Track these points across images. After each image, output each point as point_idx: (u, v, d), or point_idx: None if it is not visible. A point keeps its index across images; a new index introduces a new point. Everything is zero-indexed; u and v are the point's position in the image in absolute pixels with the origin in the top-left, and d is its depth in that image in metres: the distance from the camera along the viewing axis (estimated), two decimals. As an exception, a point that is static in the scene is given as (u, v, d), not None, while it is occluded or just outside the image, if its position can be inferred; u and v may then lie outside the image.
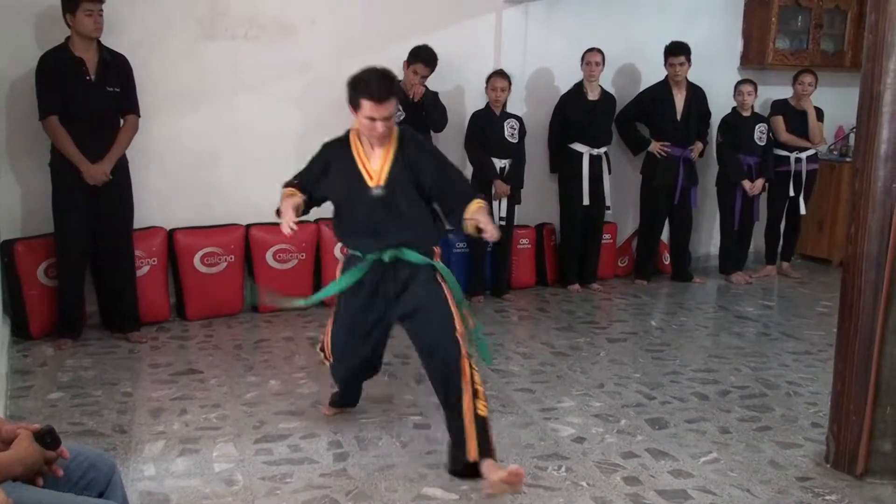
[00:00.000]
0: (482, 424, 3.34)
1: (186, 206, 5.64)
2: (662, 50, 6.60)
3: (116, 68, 4.94)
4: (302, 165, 3.71)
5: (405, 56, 5.75)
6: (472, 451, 3.30)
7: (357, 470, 3.51)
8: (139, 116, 5.06)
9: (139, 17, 5.26)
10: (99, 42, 4.89)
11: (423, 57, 5.70)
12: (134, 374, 4.62)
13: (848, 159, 7.42)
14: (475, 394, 3.35)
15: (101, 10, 4.80)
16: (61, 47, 4.82)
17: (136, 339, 5.10)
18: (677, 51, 6.54)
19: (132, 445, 3.68)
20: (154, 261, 5.38)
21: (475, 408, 3.34)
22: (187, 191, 5.66)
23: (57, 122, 4.78)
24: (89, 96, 4.83)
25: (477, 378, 3.39)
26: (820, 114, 7.04)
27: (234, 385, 4.46)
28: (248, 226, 5.72)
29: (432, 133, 5.86)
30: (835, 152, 7.89)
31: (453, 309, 3.49)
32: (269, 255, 5.69)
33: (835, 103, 7.35)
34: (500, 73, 6.08)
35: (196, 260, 5.50)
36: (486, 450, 3.32)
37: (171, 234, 5.51)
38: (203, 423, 3.95)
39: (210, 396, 4.28)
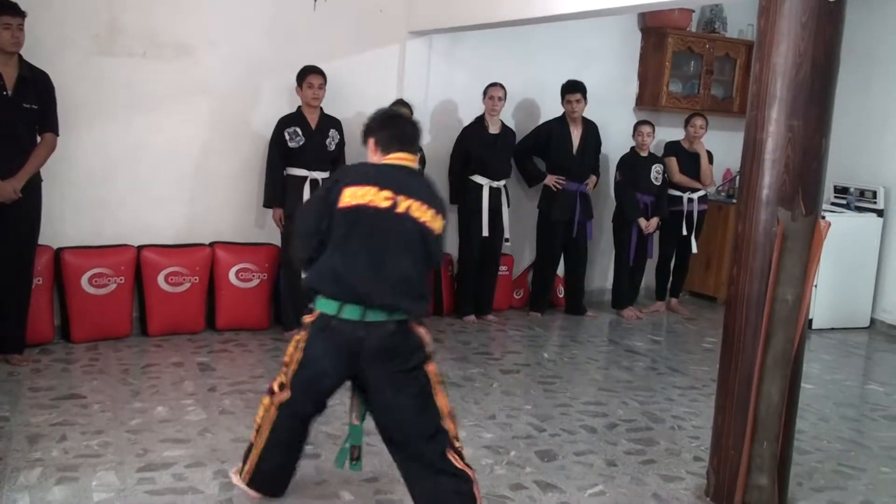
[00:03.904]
0: None
1: (77, 225, 5.49)
2: (560, 88, 6.76)
3: (36, 85, 4.82)
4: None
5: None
6: None
7: (244, 500, 3.44)
8: (58, 135, 4.94)
9: (33, 32, 5.05)
10: (20, 57, 4.78)
11: (313, 68, 5.74)
12: (12, 397, 4.43)
13: (734, 201, 7.68)
14: None
15: (21, 25, 4.71)
16: None
17: (17, 362, 4.90)
18: (573, 88, 6.70)
19: (6, 473, 3.53)
20: (39, 280, 5.19)
21: None
22: (79, 209, 5.51)
23: None
24: (4, 112, 4.70)
25: None
26: (710, 156, 7.31)
27: (118, 411, 4.33)
28: (140, 247, 5.59)
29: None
30: (722, 193, 8.19)
31: None
32: (160, 278, 5.56)
33: (723, 146, 7.65)
34: (401, 102, 6.10)
35: (84, 280, 5.33)
36: None
37: (58, 253, 5.34)
38: (84, 450, 3.82)
39: (92, 422, 4.14)
